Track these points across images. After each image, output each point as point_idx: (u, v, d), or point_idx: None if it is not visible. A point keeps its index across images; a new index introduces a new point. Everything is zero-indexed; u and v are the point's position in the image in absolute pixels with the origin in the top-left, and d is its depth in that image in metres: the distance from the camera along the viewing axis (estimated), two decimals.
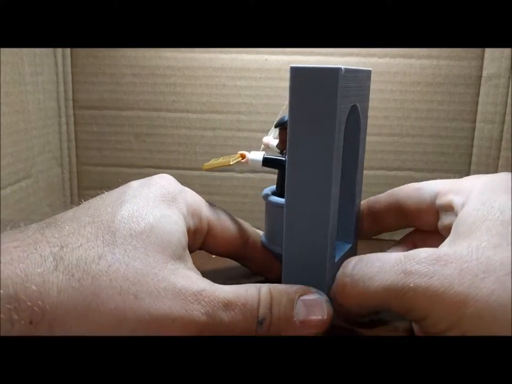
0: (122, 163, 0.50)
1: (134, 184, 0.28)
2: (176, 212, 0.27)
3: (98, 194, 0.28)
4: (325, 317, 0.26)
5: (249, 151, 0.32)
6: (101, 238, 0.23)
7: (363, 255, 0.26)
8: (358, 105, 0.30)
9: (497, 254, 0.22)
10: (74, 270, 0.22)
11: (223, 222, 0.31)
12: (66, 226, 0.24)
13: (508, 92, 0.45)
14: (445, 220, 0.29)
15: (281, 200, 0.31)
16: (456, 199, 0.27)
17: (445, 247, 0.24)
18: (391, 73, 0.46)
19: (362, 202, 0.34)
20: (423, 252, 0.24)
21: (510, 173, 0.27)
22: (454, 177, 0.30)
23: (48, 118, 0.47)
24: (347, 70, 0.26)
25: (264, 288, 0.26)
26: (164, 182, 0.29)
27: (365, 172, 0.34)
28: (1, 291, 0.20)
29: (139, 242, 0.24)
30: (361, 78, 0.30)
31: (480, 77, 0.45)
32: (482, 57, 0.45)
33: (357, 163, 0.32)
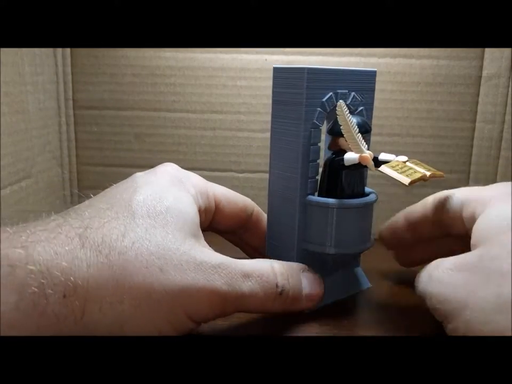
0: (122, 163, 0.50)
1: (139, 174, 0.30)
2: (186, 193, 0.29)
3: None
4: (321, 292, 0.30)
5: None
6: (122, 219, 0.25)
7: None
8: None
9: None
10: (101, 247, 0.23)
11: (228, 197, 0.33)
12: (86, 212, 0.25)
13: (508, 92, 0.45)
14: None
15: (322, 200, 0.31)
16: (478, 209, 0.28)
17: (463, 255, 0.26)
18: (391, 73, 0.46)
19: (399, 213, 0.35)
20: (446, 261, 0.26)
21: None
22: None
23: (48, 118, 0.47)
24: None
25: (276, 262, 0.28)
26: (168, 168, 0.31)
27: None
28: (34, 268, 0.21)
29: (157, 222, 0.25)
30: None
31: (480, 77, 0.45)
32: (482, 57, 0.45)
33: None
